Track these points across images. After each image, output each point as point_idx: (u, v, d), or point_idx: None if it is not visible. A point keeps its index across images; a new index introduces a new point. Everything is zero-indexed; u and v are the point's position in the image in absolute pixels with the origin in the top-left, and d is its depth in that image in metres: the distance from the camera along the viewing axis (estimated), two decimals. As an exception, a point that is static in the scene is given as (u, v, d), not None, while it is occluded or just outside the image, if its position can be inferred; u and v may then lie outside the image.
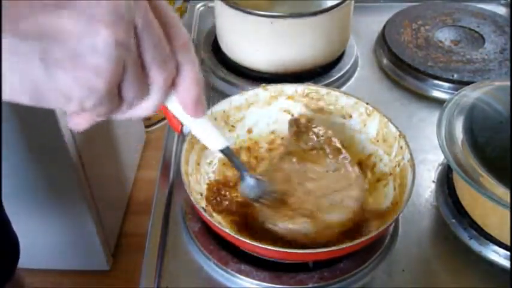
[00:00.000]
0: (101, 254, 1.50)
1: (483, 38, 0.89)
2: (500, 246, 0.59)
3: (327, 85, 0.80)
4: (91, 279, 1.54)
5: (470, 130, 0.62)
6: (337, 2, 0.77)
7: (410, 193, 0.56)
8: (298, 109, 0.70)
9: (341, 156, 0.62)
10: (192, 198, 0.56)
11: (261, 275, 0.56)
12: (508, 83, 0.68)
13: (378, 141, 0.67)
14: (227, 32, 0.83)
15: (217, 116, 0.67)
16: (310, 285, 0.55)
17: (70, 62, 0.31)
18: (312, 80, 0.79)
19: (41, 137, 1.19)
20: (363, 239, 0.54)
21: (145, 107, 0.37)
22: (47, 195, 1.34)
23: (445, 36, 0.90)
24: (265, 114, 0.70)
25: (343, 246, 0.53)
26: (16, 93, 0.31)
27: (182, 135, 0.65)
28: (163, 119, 1.90)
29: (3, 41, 0.29)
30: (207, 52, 0.88)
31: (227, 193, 0.63)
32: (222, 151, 0.50)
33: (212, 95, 0.81)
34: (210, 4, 1.01)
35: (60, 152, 1.23)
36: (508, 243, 0.58)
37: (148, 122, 2.01)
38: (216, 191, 0.63)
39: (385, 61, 0.88)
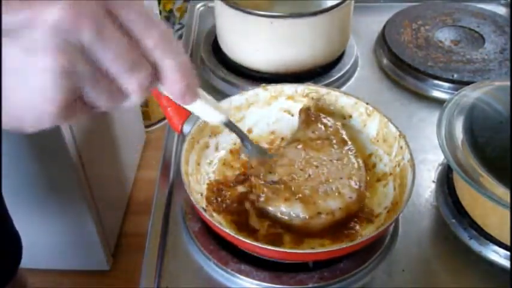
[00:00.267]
0: (101, 254, 1.50)
1: (483, 38, 0.89)
2: (500, 246, 0.59)
3: (327, 85, 0.80)
4: (91, 279, 1.54)
5: (470, 130, 0.62)
6: (337, 2, 0.77)
7: (410, 193, 0.56)
8: (298, 109, 0.70)
9: (346, 148, 0.63)
10: (192, 198, 0.56)
11: (261, 275, 0.56)
12: (508, 83, 0.68)
13: (377, 141, 0.67)
14: (227, 32, 0.83)
15: (217, 116, 0.67)
16: (310, 285, 0.55)
17: (16, 89, 0.31)
18: (312, 80, 0.79)
19: (41, 137, 1.19)
20: (363, 238, 0.54)
21: (129, 104, 0.37)
22: (47, 195, 1.34)
23: (445, 36, 0.90)
24: (265, 114, 0.71)
25: (343, 246, 0.54)
26: None
27: (182, 135, 0.65)
28: (164, 119, 1.90)
29: None
30: (207, 52, 0.88)
31: (227, 193, 0.63)
32: (221, 124, 0.51)
33: (212, 95, 0.81)
34: (210, 4, 1.01)
35: (60, 152, 1.23)
36: (508, 243, 0.58)
37: (148, 122, 2.01)
38: (216, 191, 0.63)
39: (385, 61, 0.88)
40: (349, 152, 0.63)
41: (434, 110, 0.70)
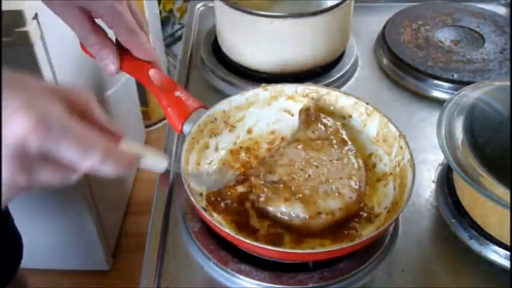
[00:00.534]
0: (101, 254, 1.50)
1: (483, 38, 0.89)
2: (500, 246, 0.59)
3: (327, 85, 0.80)
4: (91, 279, 1.54)
5: (470, 130, 0.62)
6: (337, 2, 0.77)
7: (410, 193, 0.56)
8: (298, 109, 0.70)
9: (346, 148, 0.63)
10: (192, 198, 0.56)
11: (261, 275, 0.56)
12: (508, 83, 0.68)
13: (378, 141, 0.67)
14: (227, 32, 0.83)
15: (217, 116, 0.67)
16: (310, 285, 0.55)
17: None
18: (312, 80, 0.79)
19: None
20: (364, 238, 0.54)
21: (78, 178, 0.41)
22: (47, 195, 1.34)
23: (445, 36, 0.90)
24: (265, 114, 0.71)
25: (343, 246, 0.54)
26: None
27: (182, 135, 0.65)
28: (163, 119, 1.90)
29: None
30: (207, 52, 0.88)
31: (227, 193, 0.63)
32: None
33: (212, 95, 0.81)
34: (210, 4, 1.01)
35: (60, 152, 1.22)
36: (508, 243, 0.58)
37: (148, 122, 2.02)
38: (216, 191, 0.63)
39: (385, 61, 0.88)
40: (349, 152, 0.63)
41: (434, 110, 0.70)
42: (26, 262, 0.91)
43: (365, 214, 0.60)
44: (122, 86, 1.60)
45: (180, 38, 1.92)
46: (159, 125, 2.02)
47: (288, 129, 0.71)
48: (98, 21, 0.61)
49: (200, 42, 0.90)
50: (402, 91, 0.82)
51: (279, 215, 0.57)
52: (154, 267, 0.58)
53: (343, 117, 0.69)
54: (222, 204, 0.62)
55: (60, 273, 1.54)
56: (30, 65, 1.03)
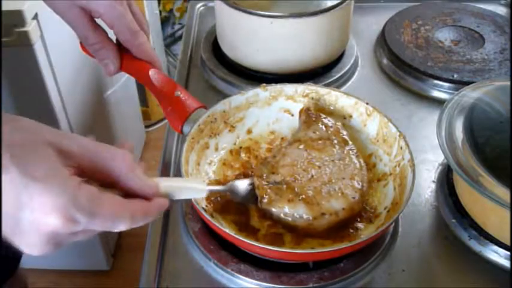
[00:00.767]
0: (101, 254, 1.50)
1: (483, 38, 0.89)
2: (500, 246, 0.59)
3: (327, 85, 0.80)
4: (91, 279, 1.54)
5: (470, 130, 0.62)
6: (337, 2, 0.77)
7: (410, 193, 0.56)
8: (298, 109, 0.70)
9: (347, 148, 0.63)
10: (192, 198, 0.56)
11: (261, 275, 0.56)
12: (508, 83, 0.68)
13: (378, 141, 0.67)
14: (227, 32, 0.83)
15: (217, 116, 0.67)
16: (310, 285, 0.55)
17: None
18: (312, 80, 0.79)
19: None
20: (363, 238, 0.54)
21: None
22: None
23: (445, 36, 0.90)
24: (265, 114, 0.70)
25: (343, 246, 0.54)
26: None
27: (182, 135, 0.65)
28: (163, 119, 1.90)
29: None
30: (207, 52, 0.88)
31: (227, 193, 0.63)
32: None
33: (212, 95, 0.81)
34: (210, 4, 1.01)
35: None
36: (508, 243, 0.58)
37: (148, 122, 2.01)
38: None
39: (385, 61, 0.88)
40: (351, 152, 0.63)
41: (434, 110, 0.70)
42: (26, 262, 0.91)
43: (368, 214, 0.60)
44: (122, 86, 1.60)
45: (180, 38, 1.92)
46: (159, 125, 2.02)
47: (288, 129, 0.71)
48: (98, 21, 0.61)
49: (200, 42, 0.90)
50: (402, 91, 0.82)
51: (282, 216, 0.57)
52: (154, 267, 0.58)
53: (343, 117, 0.69)
54: (222, 204, 0.62)
55: (60, 273, 1.54)
56: (30, 65, 1.03)
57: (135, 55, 0.63)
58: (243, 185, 0.60)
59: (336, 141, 0.64)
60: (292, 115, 0.71)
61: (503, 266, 0.58)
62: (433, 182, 0.68)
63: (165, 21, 1.94)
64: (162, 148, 0.73)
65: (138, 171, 0.43)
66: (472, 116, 0.64)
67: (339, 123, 0.66)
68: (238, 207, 0.62)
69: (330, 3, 0.77)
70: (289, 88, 0.70)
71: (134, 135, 1.86)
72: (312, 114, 0.66)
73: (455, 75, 0.81)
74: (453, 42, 0.89)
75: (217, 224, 0.54)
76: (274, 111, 0.71)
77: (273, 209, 0.58)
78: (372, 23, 0.97)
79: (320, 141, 0.64)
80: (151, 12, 1.75)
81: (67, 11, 0.59)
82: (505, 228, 0.56)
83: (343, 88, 0.82)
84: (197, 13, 1.01)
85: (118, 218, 0.41)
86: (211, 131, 0.66)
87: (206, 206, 0.61)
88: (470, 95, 0.66)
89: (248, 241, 0.53)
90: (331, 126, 0.65)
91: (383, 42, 0.89)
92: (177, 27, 1.98)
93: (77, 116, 1.26)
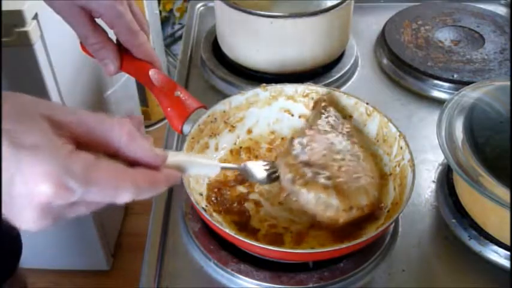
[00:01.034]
0: (101, 254, 1.50)
1: (483, 38, 0.89)
2: (500, 246, 0.59)
3: (327, 85, 0.80)
4: (91, 279, 1.54)
5: (470, 130, 0.62)
6: (337, 2, 0.77)
7: (410, 193, 0.56)
8: (298, 109, 0.70)
9: (357, 145, 0.62)
10: (192, 198, 0.56)
11: (261, 275, 0.56)
12: (508, 83, 0.67)
13: (378, 141, 0.67)
14: (227, 32, 0.83)
15: (217, 116, 0.67)
16: (310, 285, 0.55)
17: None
18: (312, 80, 0.79)
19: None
20: (363, 238, 0.54)
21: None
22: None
23: (445, 36, 0.90)
24: (265, 114, 0.70)
25: (343, 246, 0.53)
26: None
27: (182, 135, 0.65)
28: (163, 119, 1.90)
29: None
30: (207, 52, 0.88)
31: (227, 193, 0.63)
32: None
33: (212, 95, 0.81)
34: (210, 4, 1.01)
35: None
36: (508, 243, 0.58)
37: (148, 122, 2.01)
38: (217, 191, 0.63)
39: (385, 61, 0.88)
40: (361, 149, 0.62)
41: (434, 110, 0.70)
42: (26, 262, 0.91)
43: (376, 213, 0.60)
44: (122, 86, 1.60)
45: (180, 38, 1.91)
46: (159, 125, 2.02)
47: (288, 129, 0.71)
48: (99, 20, 0.61)
49: (200, 42, 0.90)
50: (402, 91, 0.82)
51: (311, 200, 0.55)
52: (154, 267, 0.58)
53: (343, 117, 0.69)
54: (222, 205, 0.62)
55: (60, 273, 1.54)
56: (30, 65, 1.03)
57: (135, 55, 0.63)
58: (257, 166, 0.58)
59: (346, 137, 0.62)
60: (292, 115, 0.71)
61: (503, 266, 0.58)
62: (433, 182, 0.68)
63: (165, 21, 1.94)
64: (162, 148, 0.73)
65: (140, 140, 0.41)
66: (472, 116, 0.64)
67: (345, 120, 0.66)
68: (238, 207, 0.62)
69: (330, 3, 0.77)
70: (289, 88, 0.70)
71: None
72: (326, 105, 0.65)
73: (455, 75, 0.81)
74: (453, 42, 0.89)
75: (217, 224, 0.54)
76: (274, 111, 0.71)
77: (303, 191, 0.55)
78: (372, 23, 0.97)
79: (334, 134, 0.62)
80: (151, 12, 1.75)
81: (67, 10, 0.59)
82: (505, 228, 0.56)
83: (343, 88, 0.82)
84: (197, 13, 1.01)
85: (119, 186, 0.38)
86: (211, 131, 0.66)
87: (206, 206, 0.61)
88: (470, 95, 0.66)
89: (248, 241, 0.53)
90: (340, 121, 0.64)
91: (383, 42, 0.89)
92: (177, 27, 1.98)
93: (77, 116, 1.25)
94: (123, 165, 0.39)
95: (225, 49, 0.85)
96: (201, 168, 0.49)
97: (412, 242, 0.61)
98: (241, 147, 0.69)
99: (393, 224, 0.61)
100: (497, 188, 0.54)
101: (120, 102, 1.60)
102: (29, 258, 0.97)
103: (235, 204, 0.62)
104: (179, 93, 0.64)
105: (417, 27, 0.92)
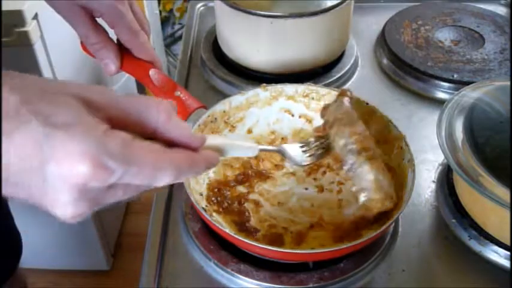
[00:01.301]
0: (101, 254, 1.50)
1: (483, 38, 0.89)
2: (500, 246, 0.59)
3: (327, 85, 0.80)
4: (91, 279, 1.54)
5: (470, 130, 0.62)
6: (337, 2, 0.77)
7: (410, 193, 0.56)
8: (298, 109, 0.70)
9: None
10: (192, 198, 0.56)
11: (261, 275, 0.56)
12: (508, 83, 0.67)
13: (378, 141, 0.66)
14: (227, 32, 0.83)
15: (217, 116, 0.67)
16: (310, 285, 0.55)
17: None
18: (312, 80, 0.79)
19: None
20: (364, 239, 0.54)
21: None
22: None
23: (445, 36, 0.90)
24: (266, 114, 0.71)
25: (343, 246, 0.53)
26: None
27: (182, 135, 0.65)
28: (163, 119, 1.89)
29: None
30: (207, 52, 0.88)
31: (227, 193, 0.63)
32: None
33: (212, 95, 0.81)
34: (210, 4, 1.01)
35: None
36: (508, 243, 0.58)
37: (148, 122, 2.01)
38: (216, 191, 0.63)
39: (385, 61, 0.88)
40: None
41: (434, 110, 0.70)
42: (26, 261, 0.91)
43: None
44: (122, 86, 1.60)
45: (180, 38, 1.92)
46: (159, 125, 2.02)
47: (288, 129, 0.71)
48: (99, 20, 0.61)
49: (200, 42, 0.90)
50: (402, 91, 0.82)
51: (369, 177, 0.54)
52: (154, 267, 0.58)
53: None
54: (222, 204, 0.62)
55: (60, 273, 1.54)
56: (30, 65, 1.03)
57: (136, 55, 0.64)
58: (293, 147, 0.59)
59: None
60: (293, 115, 0.71)
61: (503, 266, 0.58)
62: (433, 182, 0.68)
63: (165, 21, 1.94)
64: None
65: (178, 120, 0.38)
66: (472, 116, 0.64)
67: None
68: (238, 207, 0.62)
69: (330, 3, 0.77)
70: (290, 88, 0.70)
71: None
72: (351, 96, 0.64)
73: (455, 75, 0.81)
74: (453, 42, 0.89)
75: (217, 224, 0.54)
76: (274, 111, 0.71)
77: (365, 167, 0.55)
78: (372, 23, 0.97)
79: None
80: (151, 12, 1.75)
81: (68, 10, 0.59)
82: (505, 228, 0.56)
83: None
84: (197, 13, 1.01)
85: (160, 166, 0.36)
86: (211, 131, 0.66)
87: (206, 206, 0.61)
88: (470, 95, 0.66)
89: (248, 241, 0.53)
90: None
91: (383, 42, 0.89)
92: (177, 27, 1.98)
93: (77, 116, 1.25)
94: (162, 146, 0.37)
95: (225, 49, 0.85)
96: (240, 150, 0.48)
97: (412, 242, 0.61)
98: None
99: (393, 224, 0.61)
100: (497, 188, 0.54)
101: (120, 102, 1.60)
102: (29, 258, 0.97)
103: (235, 204, 0.62)
104: (179, 93, 0.64)
105: (417, 27, 0.92)
